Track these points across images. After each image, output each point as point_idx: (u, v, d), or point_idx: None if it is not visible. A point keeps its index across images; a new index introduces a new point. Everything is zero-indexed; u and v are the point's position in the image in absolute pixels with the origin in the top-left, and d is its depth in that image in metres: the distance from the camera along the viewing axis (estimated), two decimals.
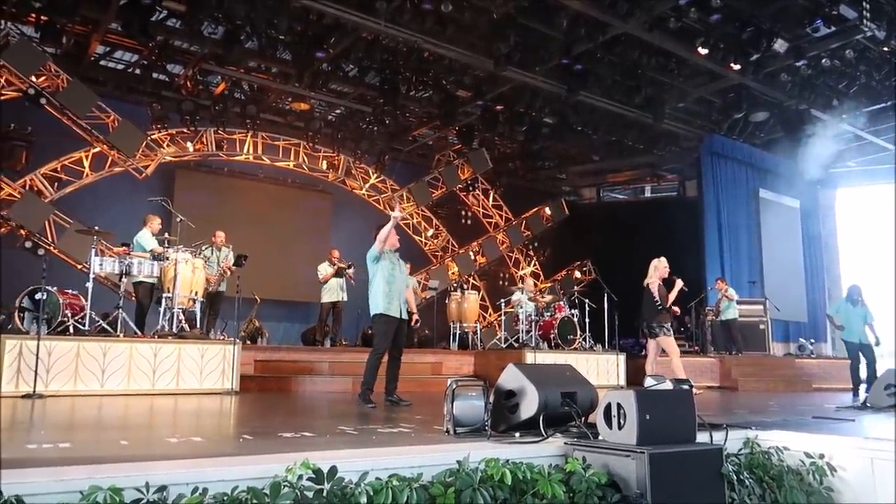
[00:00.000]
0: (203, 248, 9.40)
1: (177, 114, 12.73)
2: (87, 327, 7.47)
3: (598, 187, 19.35)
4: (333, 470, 2.50)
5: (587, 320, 11.45)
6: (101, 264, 8.05)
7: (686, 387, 3.92)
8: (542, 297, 12.58)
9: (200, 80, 12.66)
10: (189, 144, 13.27)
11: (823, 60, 11.61)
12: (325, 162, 15.14)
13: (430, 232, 16.55)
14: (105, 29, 10.95)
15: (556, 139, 15.31)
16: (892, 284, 13.42)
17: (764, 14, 10.54)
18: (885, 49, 11.33)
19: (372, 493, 2.51)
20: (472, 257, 15.96)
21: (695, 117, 14.94)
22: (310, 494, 2.41)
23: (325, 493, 2.44)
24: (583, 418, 3.72)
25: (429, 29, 10.64)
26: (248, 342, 10.68)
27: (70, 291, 7.82)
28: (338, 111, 15.14)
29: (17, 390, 6.58)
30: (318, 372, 9.68)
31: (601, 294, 10.94)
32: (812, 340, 14.98)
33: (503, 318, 12.52)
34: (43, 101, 10.61)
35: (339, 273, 11.07)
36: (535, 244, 17.25)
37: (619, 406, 3.21)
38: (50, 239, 11.08)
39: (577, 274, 16.64)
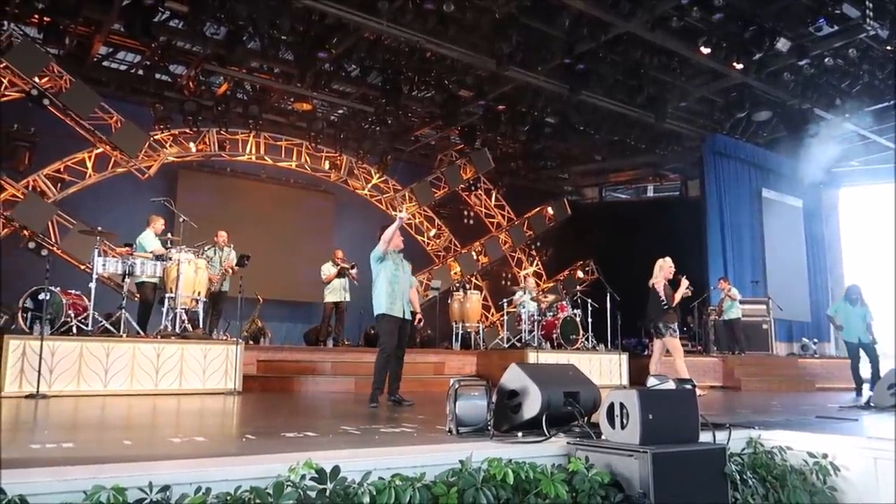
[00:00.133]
0: (206, 248, 9.41)
1: (179, 114, 12.76)
2: (90, 328, 7.48)
3: (601, 187, 19.34)
4: (336, 470, 2.50)
5: (590, 320, 11.44)
6: (104, 265, 8.07)
7: (689, 386, 3.91)
8: (545, 296, 12.57)
9: (203, 81, 12.68)
10: (192, 145, 13.30)
11: (826, 59, 11.59)
12: (327, 162, 15.15)
13: (433, 232, 16.56)
14: (108, 30, 10.97)
15: (558, 139, 15.29)
16: (893, 284, 13.40)
17: (766, 13, 10.51)
18: (889, 48, 11.30)
19: (375, 493, 2.51)
20: (475, 257, 15.97)
21: (697, 117, 14.92)
22: (313, 494, 2.41)
23: (327, 493, 2.44)
24: (585, 418, 3.72)
25: (431, 29, 10.65)
26: (251, 342, 10.69)
27: (73, 292, 7.84)
28: (340, 111, 15.15)
29: (20, 390, 6.59)
30: (320, 372, 9.68)
31: (603, 294, 10.92)
32: (815, 340, 14.95)
33: (505, 317, 12.53)
34: (46, 101, 10.65)
35: (342, 273, 11.08)
36: (538, 244, 17.24)
37: (621, 406, 3.20)
38: (53, 239, 11.11)
39: (580, 274, 16.64)
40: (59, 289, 7.49)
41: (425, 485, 2.66)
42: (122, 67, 13.06)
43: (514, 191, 17.50)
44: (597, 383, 4.16)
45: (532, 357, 9.98)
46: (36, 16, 10.42)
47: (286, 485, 2.39)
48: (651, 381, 3.99)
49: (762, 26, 10.58)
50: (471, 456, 2.89)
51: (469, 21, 10.68)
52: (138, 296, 8.74)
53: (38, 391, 6.51)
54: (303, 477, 2.45)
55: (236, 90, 13.47)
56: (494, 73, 12.06)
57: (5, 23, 10.49)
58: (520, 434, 3.64)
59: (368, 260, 6.73)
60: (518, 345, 11.29)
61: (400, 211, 7.00)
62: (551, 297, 12.81)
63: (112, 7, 10.06)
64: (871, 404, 6.36)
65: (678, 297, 8.28)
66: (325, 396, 8.30)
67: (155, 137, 12.56)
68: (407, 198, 15.44)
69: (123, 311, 7.80)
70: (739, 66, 11.53)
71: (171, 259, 8.33)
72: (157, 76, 12.70)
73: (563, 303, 11.93)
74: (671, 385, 3.88)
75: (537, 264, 17.33)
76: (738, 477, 3.30)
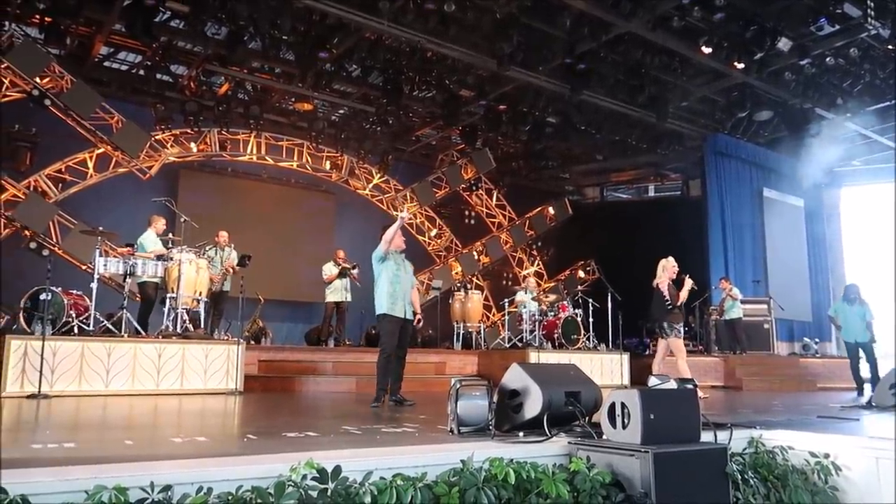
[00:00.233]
0: (207, 248, 9.42)
1: (180, 114, 12.77)
2: (91, 328, 7.49)
3: (602, 187, 19.34)
4: (337, 469, 2.50)
5: (591, 320, 11.43)
6: (105, 265, 8.07)
7: (690, 386, 3.91)
8: (546, 296, 12.57)
9: (204, 81, 12.69)
10: (193, 145, 13.31)
11: (828, 59, 11.58)
12: (328, 162, 15.16)
13: (434, 232, 16.56)
14: (109, 30, 10.98)
15: (559, 139, 15.29)
16: (893, 284, 13.38)
17: (768, 12, 10.51)
18: (890, 47, 11.29)
19: (376, 493, 2.51)
20: (476, 257, 15.97)
21: (698, 116, 14.91)
22: (314, 494, 2.41)
23: (329, 493, 2.44)
24: (587, 418, 3.72)
25: (432, 29, 10.65)
26: (252, 342, 10.70)
27: (74, 292, 7.85)
28: (341, 111, 15.15)
29: (22, 390, 6.60)
30: (321, 372, 9.68)
31: (605, 293, 10.93)
32: (816, 340, 14.94)
33: (507, 317, 12.52)
34: (47, 102, 10.66)
35: (343, 273, 11.08)
36: (539, 244, 17.26)
37: (623, 405, 3.20)
38: (54, 240, 11.12)
39: (581, 273, 16.64)
40: (60, 289, 7.49)
41: (427, 485, 2.66)
42: (123, 68, 13.07)
43: (516, 191, 17.50)
44: (598, 383, 4.16)
45: (533, 357, 9.98)
46: (37, 16, 10.43)
47: (287, 484, 2.39)
48: (652, 381, 3.98)
49: (763, 26, 10.57)
50: (472, 456, 2.88)
51: (470, 21, 10.68)
52: (139, 296, 8.75)
53: (39, 391, 6.52)
54: (304, 477, 2.45)
55: (237, 90, 13.48)
56: (495, 73, 12.06)
57: (6, 23, 10.49)
58: (521, 434, 3.64)
59: (370, 260, 6.74)
60: (519, 345, 11.29)
61: (401, 211, 6.98)
62: (552, 297, 12.82)
63: (113, 7, 10.07)
64: (873, 404, 6.35)
65: (683, 296, 8.24)
66: (326, 396, 8.30)
67: (156, 137, 12.57)
68: (408, 198, 15.44)
69: (125, 311, 7.81)
70: (740, 66, 11.52)
71: (172, 259, 8.33)
72: (158, 76, 12.71)
73: (565, 303, 11.93)
74: (672, 385, 3.88)
75: (538, 264, 17.33)
76: (739, 477, 3.29)
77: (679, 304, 8.20)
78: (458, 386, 3.76)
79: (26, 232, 10.86)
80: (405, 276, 6.63)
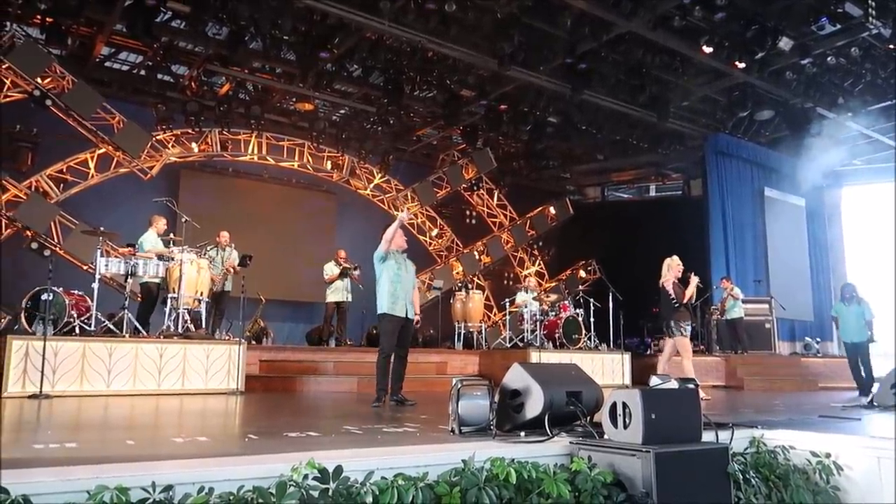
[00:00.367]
0: (208, 248, 9.42)
1: (181, 114, 12.78)
2: (92, 328, 7.49)
3: (603, 186, 19.34)
4: (339, 469, 2.50)
5: (592, 319, 11.43)
6: (106, 265, 8.07)
7: (691, 386, 3.90)
8: (547, 296, 12.56)
9: (205, 81, 12.69)
10: (194, 145, 13.33)
11: (829, 58, 11.57)
12: (329, 162, 15.16)
13: (435, 232, 16.56)
14: (110, 30, 10.98)
15: (560, 138, 15.29)
16: (894, 283, 13.37)
17: (769, 12, 10.50)
18: (891, 46, 11.28)
19: (377, 493, 2.51)
20: (477, 257, 15.97)
21: (699, 116, 14.91)
22: (315, 494, 2.41)
23: (330, 493, 2.44)
24: (588, 417, 3.72)
25: (432, 29, 10.65)
26: (254, 342, 10.70)
27: (76, 292, 7.84)
28: (342, 111, 15.15)
29: (23, 391, 6.60)
30: (322, 372, 9.69)
31: (606, 293, 10.93)
32: (818, 339, 14.93)
33: (508, 317, 12.51)
34: (48, 102, 10.67)
35: (344, 274, 11.09)
36: (540, 243, 17.26)
37: (624, 405, 3.20)
38: (56, 240, 11.13)
39: (582, 273, 16.64)
40: (61, 289, 7.49)
41: (428, 484, 2.66)
42: (125, 68, 13.08)
43: (517, 190, 17.50)
44: (599, 383, 4.16)
45: (534, 357, 9.98)
46: (38, 16, 10.45)
47: (289, 484, 2.39)
48: (654, 381, 3.98)
49: (764, 25, 10.57)
50: (473, 455, 2.88)
51: (471, 21, 10.68)
52: (140, 296, 8.75)
53: (41, 391, 6.52)
54: (305, 476, 2.44)
55: (238, 90, 13.49)
56: (496, 73, 12.06)
57: (8, 23, 10.51)
58: (522, 434, 3.64)
59: (371, 260, 6.74)
60: (520, 344, 11.28)
61: (402, 211, 6.97)
62: (554, 297, 12.81)
63: (114, 7, 10.08)
64: (875, 404, 6.34)
65: (688, 293, 8.20)
66: (327, 396, 8.31)
67: (157, 138, 12.59)
68: (409, 197, 15.44)
69: (126, 311, 7.81)
70: (742, 66, 11.51)
71: (173, 259, 8.34)
72: (159, 76, 12.73)
73: (566, 302, 11.92)
74: (674, 384, 3.87)
75: (539, 264, 17.32)
76: (740, 476, 3.29)
77: (685, 301, 8.16)
78: (459, 386, 3.75)
79: (28, 232, 10.87)
80: (406, 276, 6.62)
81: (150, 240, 8.78)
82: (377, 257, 6.59)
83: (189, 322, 8.33)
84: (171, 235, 8.83)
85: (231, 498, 2.31)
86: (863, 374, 9.60)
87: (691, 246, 13.64)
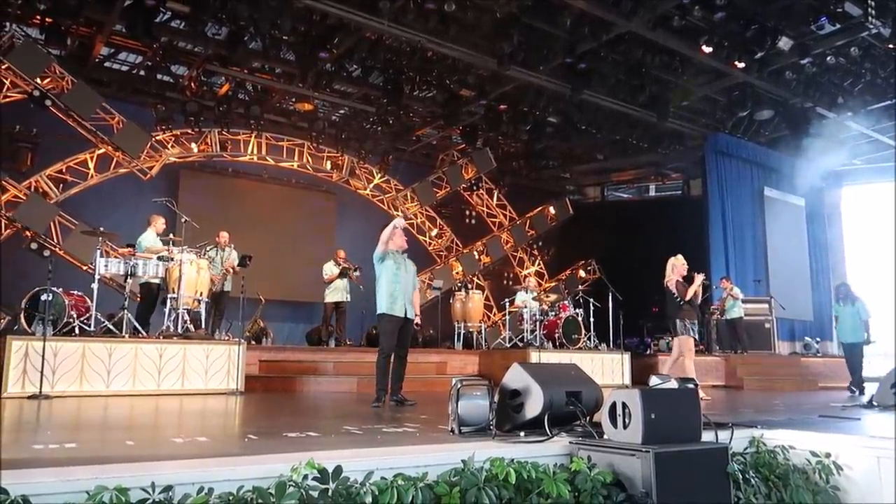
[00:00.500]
0: (207, 248, 9.42)
1: (181, 115, 12.78)
2: (92, 328, 7.49)
3: (603, 186, 19.34)
4: (338, 469, 2.50)
5: (591, 319, 11.43)
6: (106, 265, 8.07)
7: (691, 386, 3.90)
8: (547, 296, 12.56)
9: (204, 81, 12.70)
10: (193, 145, 13.33)
11: (828, 58, 11.57)
12: (328, 162, 15.16)
13: (435, 232, 16.57)
14: (109, 30, 10.98)
15: (560, 138, 15.29)
16: (893, 283, 13.37)
17: (768, 12, 10.51)
18: (891, 46, 11.28)
19: (377, 493, 2.51)
20: (477, 257, 15.97)
21: (699, 116, 14.91)
22: (315, 494, 2.41)
23: (330, 493, 2.43)
24: (588, 417, 3.72)
25: (432, 28, 10.65)
26: (253, 342, 10.70)
27: (75, 292, 7.84)
28: (341, 111, 15.15)
29: (23, 391, 6.60)
30: (322, 372, 9.68)
31: (606, 293, 10.92)
32: (817, 339, 14.94)
33: (507, 317, 12.51)
34: (48, 102, 10.67)
35: (344, 274, 11.09)
36: (540, 243, 17.26)
37: (624, 405, 3.20)
38: (55, 240, 11.13)
39: (582, 273, 16.64)
40: (61, 289, 7.48)
41: (427, 484, 2.65)
42: (124, 68, 13.08)
43: (516, 190, 17.50)
44: (599, 383, 4.16)
45: (534, 357, 9.97)
46: (37, 17, 10.44)
47: (288, 485, 2.39)
48: (653, 381, 3.98)
49: (764, 25, 10.57)
50: (473, 455, 2.88)
51: (470, 21, 10.68)
52: (139, 296, 8.75)
53: (40, 392, 6.51)
54: (305, 477, 2.44)
55: (238, 90, 13.48)
56: (496, 73, 12.06)
57: (7, 24, 10.51)
58: (522, 434, 3.64)
59: (371, 261, 6.74)
60: (520, 344, 11.28)
61: (402, 211, 6.95)
62: (553, 297, 12.81)
63: (113, 8, 10.08)
64: (875, 403, 6.34)
65: (691, 291, 8.12)
66: (327, 396, 8.30)
67: (156, 138, 12.59)
68: (409, 197, 15.45)
69: (125, 311, 7.81)
70: (741, 65, 11.52)
71: (172, 259, 8.34)
72: (159, 77, 12.74)
73: (565, 302, 11.92)
74: (673, 384, 3.87)
75: (539, 264, 17.33)
76: (740, 476, 3.29)
77: (688, 299, 8.12)
78: (458, 386, 3.75)
79: (27, 232, 10.87)
80: (406, 276, 6.61)
81: (149, 239, 8.77)
82: (376, 258, 6.60)
83: (189, 322, 8.32)
84: (171, 236, 8.82)
85: (231, 498, 2.31)
86: (860, 373, 9.60)
87: (691, 246, 13.60)
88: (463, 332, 12.54)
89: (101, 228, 8.34)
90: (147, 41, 10.94)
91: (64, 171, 11.85)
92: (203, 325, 8.76)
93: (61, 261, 10.73)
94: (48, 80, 10.70)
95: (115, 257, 8.62)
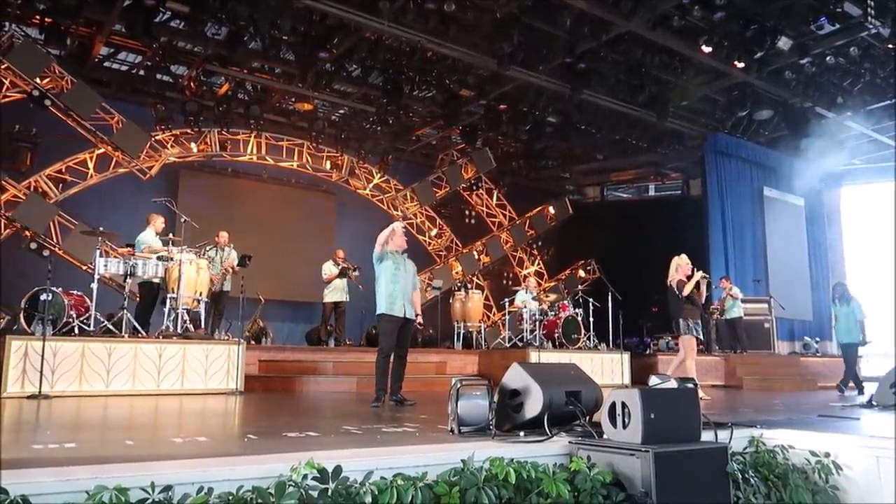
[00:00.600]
0: (207, 248, 9.42)
1: (180, 114, 12.78)
2: (91, 328, 7.49)
3: (602, 186, 19.34)
4: (338, 469, 2.50)
5: (591, 319, 11.43)
6: (105, 265, 8.07)
7: (690, 385, 3.91)
8: (546, 296, 12.56)
9: (204, 81, 12.69)
10: (193, 145, 13.32)
11: (828, 58, 11.58)
12: (328, 162, 15.16)
13: (434, 231, 16.56)
14: (109, 30, 10.98)
15: (559, 138, 15.29)
16: (893, 283, 13.38)
17: (768, 11, 10.51)
18: (890, 46, 11.29)
19: (377, 493, 2.51)
20: (476, 257, 15.97)
21: (699, 116, 14.91)
22: (314, 494, 2.41)
23: (329, 493, 2.44)
24: (587, 417, 3.72)
25: (432, 28, 10.65)
26: (253, 342, 10.70)
27: (75, 292, 7.84)
28: (341, 111, 15.15)
29: (22, 391, 6.60)
30: (322, 372, 9.69)
31: (605, 293, 10.92)
32: (817, 339, 14.94)
33: (507, 317, 12.52)
34: (47, 102, 10.66)
35: (343, 273, 11.09)
36: (539, 243, 17.26)
37: (623, 405, 3.20)
38: (55, 240, 11.12)
39: (581, 273, 16.64)
40: (60, 289, 7.48)
41: (427, 484, 2.66)
42: (124, 68, 13.08)
43: (516, 190, 17.50)
44: (598, 382, 4.16)
45: (534, 356, 9.98)
46: (37, 16, 10.44)
47: (288, 484, 2.39)
48: (653, 381, 3.98)
49: (763, 25, 10.57)
50: (473, 455, 2.88)
51: (470, 21, 10.68)
52: (139, 296, 8.74)
53: (40, 391, 6.52)
54: (305, 477, 2.44)
55: (237, 90, 13.48)
56: (495, 73, 12.06)
57: (6, 23, 10.51)
58: (522, 433, 3.64)
59: (371, 260, 6.75)
60: (520, 344, 11.29)
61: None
62: (553, 297, 12.81)
63: (113, 8, 10.07)
64: (874, 403, 6.35)
65: (689, 287, 8.04)
66: (326, 396, 8.31)
67: (156, 138, 12.58)
68: (408, 197, 15.44)
69: (125, 311, 7.81)
70: (741, 65, 11.52)
71: (172, 259, 8.33)
72: (159, 77, 12.73)
73: (565, 302, 11.93)
74: (673, 384, 3.88)
75: (539, 264, 17.33)
76: (740, 476, 3.29)
77: (685, 294, 8.08)
78: (458, 386, 3.75)
79: (27, 232, 10.86)
80: (405, 276, 6.61)
81: (148, 238, 8.77)
82: (374, 258, 6.62)
83: (188, 322, 8.32)
84: (171, 235, 8.82)
85: (230, 498, 2.31)
86: (857, 373, 9.61)
87: (691, 245, 13.53)
88: (462, 331, 12.54)
89: (101, 228, 8.34)
90: (147, 41, 10.93)
91: (63, 170, 11.85)
92: (202, 325, 8.76)
93: (61, 261, 10.73)
94: (48, 79, 10.70)
95: (115, 257, 8.62)
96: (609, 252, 15.83)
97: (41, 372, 6.57)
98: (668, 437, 3.14)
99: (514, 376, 3.90)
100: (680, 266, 8.21)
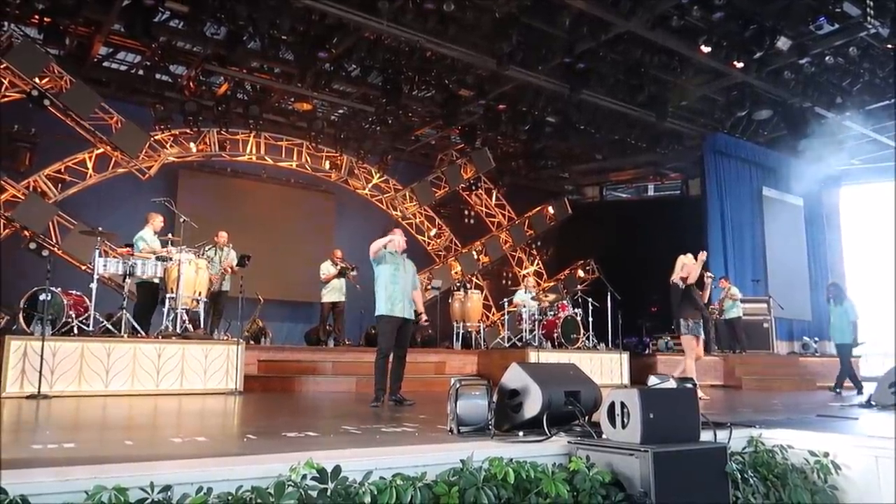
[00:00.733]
0: (206, 248, 9.42)
1: (180, 114, 12.77)
2: (91, 328, 7.49)
3: (601, 186, 19.34)
4: (337, 469, 2.50)
5: (590, 319, 11.44)
6: (104, 265, 8.06)
7: (689, 385, 3.91)
8: (546, 296, 12.56)
9: (203, 81, 12.67)
10: (192, 145, 13.31)
11: (827, 58, 11.58)
12: (327, 162, 15.16)
13: (433, 231, 16.56)
14: (108, 30, 10.96)
15: (558, 138, 15.28)
16: (893, 283, 13.38)
17: (767, 11, 10.51)
18: (889, 46, 11.28)
19: (376, 493, 2.51)
20: (476, 257, 15.97)
21: (698, 115, 14.91)
22: (314, 494, 2.42)
23: (328, 493, 2.44)
24: (586, 417, 3.72)
25: (431, 28, 10.65)
26: (252, 342, 10.69)
27: (74, 292, 7.85)
28: (340, 111, 15.14)
29: (21, 391, 6.60)
30: (321, 372, 9.69)
31: (604, 293, 10.92)
32: (816, 339, 14.94)
33: (506, 317, 12.52)
34: (46, 102, 10.65)
35: (342, 273, 11.08)
36: (539, 243, 17.26)
37: (622, 405, 3.20)
38: (54, 240, 11.12)
39: (581, 273, 16.64)
40: (59, 289, 7.49)
41: (426, 484, 2.66)
42: (123, 68, 13.06)
43: (515, 190, 17.50)
44: (598, 382, 4.16)
45: (533, 356, 9.98)
46: (36, 16, 10.42)
47: (287, 484, 2.39)
48: (652, 380, 3.98)
49: (762, 25, 10.58)
50: (472, 455, 2.89)
51: (469, 20, 10.68)
52: (138, 296, 8.73)
53: (39, 391, 6.52)
54: (304, 476, 2.45)
55: (236, 90, 13.47)
56: (495, 73, 12.06)
57: (5, 23, 10.50)
58: (521, 433, 3.64)
59: (370, 261, 6.75)
60: (519, 344, 11.29)
61: (396, 233, 6.87)
62: (552, 297, 12.81)
63: (112, 7, 10.06)
64: (873, 403, 6.35)
65: (692, 272, 7.93)
66: (326, 396, 8.31)
67: (155, 138, 12.57)
68: (407, 197, 15.44)
69: (124, 311, 7.81)
70: (740, 65, 11.52)
71: (170, 259, 8.33)
72: (158, 76, 12.72)
73: (564, 302, 11.93)
74: (672, 384, 3.88)
75: (538, 264, 17.33)
76: (739, 476, 3.29)
77: (681, 276, 8.03)
78: (457, 385, 3.76)
79: (26, 232, 10.85)
80: (404, 277, 6.62)
81: (147, 237, 8.76)
82: (372, 261, 6.62)
83: (187, 322, 8.32)
84: (170, 235, 8.82)
85: (229, 498, 2.31)
86: (854, 372, 9.61)
87: (690, 245, 13.52)
88: (462, 331, 12.54)
89: (100, 228, 8.34)
90: (146, 41, 10.91)
91: (62, 170, 11.84)
92: (202, 325, 8.75)
93: (60, 260, 10.72)
94: (47, 79, 10.68)
95: (114, 257, 8.61)
96: (608, 252, 15.83)
97: (40, 372, 6.57)
98: (667, 437, 3.15)
99: (514, 376, 3.91)
100: (685, 265, 8.20)
